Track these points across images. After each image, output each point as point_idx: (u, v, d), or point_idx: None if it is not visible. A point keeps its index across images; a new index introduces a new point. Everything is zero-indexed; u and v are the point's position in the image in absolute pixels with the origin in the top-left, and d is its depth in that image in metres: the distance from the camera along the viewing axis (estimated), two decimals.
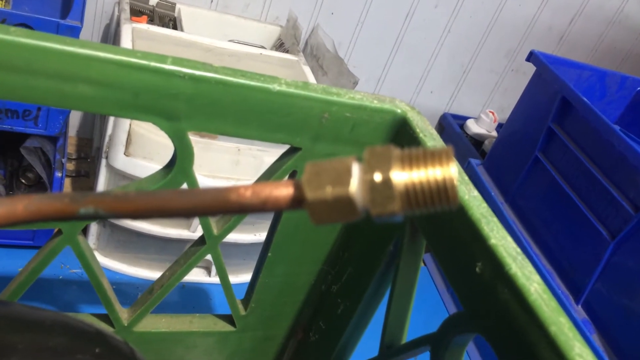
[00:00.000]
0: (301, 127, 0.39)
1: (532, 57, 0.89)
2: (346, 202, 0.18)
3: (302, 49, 1.09)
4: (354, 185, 0.18)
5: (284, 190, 0.19)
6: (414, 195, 0.18)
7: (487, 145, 1.21)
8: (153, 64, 0.34)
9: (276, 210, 0.20)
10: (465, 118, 1.27)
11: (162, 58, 0.35)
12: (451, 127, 1.25)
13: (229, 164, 0.74)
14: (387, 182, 0.18)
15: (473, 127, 1.24)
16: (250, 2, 1.01)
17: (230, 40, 0.97)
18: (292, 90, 0.38)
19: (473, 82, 1.26)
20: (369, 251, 0.43)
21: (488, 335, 0.31)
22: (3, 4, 0.77)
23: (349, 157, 0.19)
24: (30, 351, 0.23)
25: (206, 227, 0.43)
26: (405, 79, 1.21)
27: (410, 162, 0.18)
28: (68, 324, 0.27)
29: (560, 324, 0.27)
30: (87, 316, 0.45)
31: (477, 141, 1.24)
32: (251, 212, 0.20)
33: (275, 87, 0.37)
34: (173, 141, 0.37)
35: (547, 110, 0.84)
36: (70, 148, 1.04)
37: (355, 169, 0.19)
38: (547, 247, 0.83)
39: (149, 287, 0.46)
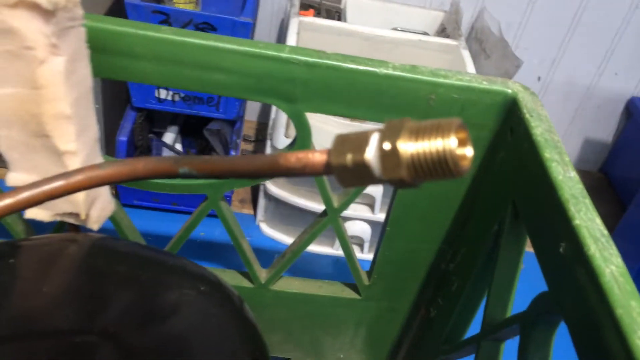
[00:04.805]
0: (409, 109, 0.41)
1: None
2: (362, 167, 0.21)
3: (468, 33, 1.07)
4: (370, 152, 0.21)
5: (318, 157, 0.23)
6: (419, 164, 0.20)
7: None
8: (272, 52, 0.39)
9: (315, 175, 0.23)
10: None
11: (280, 48, 0.40)
12: (639, 112, 1.13)
13: None
14: (394, 150, 0.20)
15: None
16: None
17: (393, 28, 1.01)
18: (398, 73, 0.40)
19: None
20: (478, 231, 0.44)
21: (566, 316, 0.31)
22: (193, 5, 0.89)
23: (373, 129, 0.22)
24: (148, 282, 0.30)
25: (327, 201, 0.47)
26: (583, 60, 1.12)
27: (418, 133, 0.21)
28: (187, 267, 0.34)
29: (629, 307, 0.26)
30: (231, 272, 0.53)
31: None
32: (295, 175, 0.23)
33: (382, 70, 0.40)
34: (292, 121, 0.42)
35: None
36: (250, 131, 1.16)
37: (374, 139, 0.21)
38: None
39: (283, 252, 0.52)
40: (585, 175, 1.27)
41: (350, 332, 0.58)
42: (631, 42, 1.09)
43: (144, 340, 0.30)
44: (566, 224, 0.31)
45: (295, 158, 0.23)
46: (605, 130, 1.23)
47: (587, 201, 0.32)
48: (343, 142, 0.22)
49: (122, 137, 0.88)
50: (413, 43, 0.92)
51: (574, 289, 0.30)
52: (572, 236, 0.30)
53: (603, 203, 1.19)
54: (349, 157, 0.21)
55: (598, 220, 0.31)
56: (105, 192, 0.38)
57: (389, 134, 0.21)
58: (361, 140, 0.22)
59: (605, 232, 0.30)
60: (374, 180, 0.22)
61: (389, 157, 0.21)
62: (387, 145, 0.21)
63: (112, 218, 0.45)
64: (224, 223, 0.48)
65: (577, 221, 0.31)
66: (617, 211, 1.16)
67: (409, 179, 0.21)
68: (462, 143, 0.21)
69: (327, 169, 0.23)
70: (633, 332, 0.25)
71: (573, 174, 0.34)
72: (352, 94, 0.41)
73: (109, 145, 0.94)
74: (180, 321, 0.31)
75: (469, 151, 0.21)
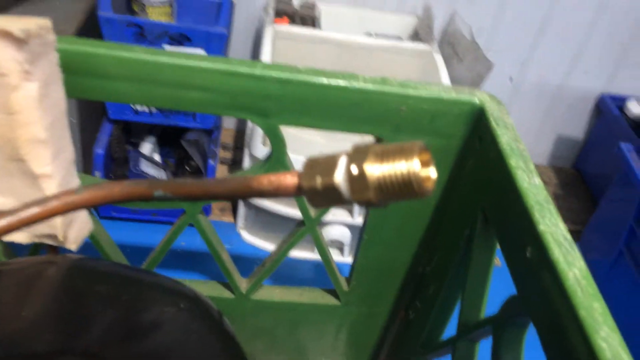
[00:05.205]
0: (381, 120, 0.43)
1: None
2: (332, 189, 0.22)
3: (441, 37, 1.09)
4: (339, 176, 0.22)
5: (289, 180, 0.24)
6: (385, 186, 0.21)
7: None
8: (245, 70, 0.40)
9: (286, 196, 0.24)
10: (628, 99, 1.17)
11: (253, 64, 0.40)
12: (608, 109, 1.16)
13: None
14: (361, 174, 0.21)
15: (635, 108, 1.14)
16: None
17: (366, 34, 1.02)
18: (369, 86, 0.41)
19: (636, 59, 1.16)
20: (451, 236, 0.45)
21: (533, 318, 0.32)
22: (168, 17, 0.89)
23: (340, 152, 0.23)
24: (129, 301, 0.31)
25: (304, 211, 0.48)
26: (554, 60, 1.15)
27: (383, 156, 0.22)
28: (166, 285, 0.35)
29: (591, 309, 0.28)
30: (212, 283, 0.54)
31: (639, 124, 1.14)
32: (268, 197, 0.24)
33: (353, 84, 0.41)
34: (268, 135, 0.43)
35: None
36: (228, 139, 1.16)
37: (342, 163, 0.22)
38: None
39: (263, 261, 0.53)
40: (559, 172, 1.30)
41: (332, 337, 0.59)
42: (599, 41, 1.12)
43: (126, 359, 0.30)
44: (531, 230, 0.32)
45: (268, 181, 0.24)
46: (577, 128, 1.26)
47: (551, 207, 0.33)
48: (313, 165, 0.23)
49: (99, 150, 0.88)
50: (387, 48, 0.93)
51: (540, 292, 0.31)
52: (537, 241, 0.32)
53: (576, 198, 1.22)
54: (319, 180, 0.22)
55: (561, 225, 0.32)
56: (82, 212, 0.38)
57: (356, 158, 0.22)
58: (330, 163, 0.23)
59: (569, 236, 0.32)
60: (343, 202, 0.23)
61: (357, 180, 0.22)
62: (354, 169, 0.22)
63: (90, 235, 0.46)
64: (203, 236, 0.48)
65: (542, 227, 0.32)
66: (589, 206, 1.19)
67: (376, 200, 0.22)
68: (425, 164, 0.22)
69: (298, 191, 0.23)
70: (595, 332, 0.27)
71: (538, 181, 0.35)
72: (325, 108, 0.42)
73: (85, 158, 0.94)
74: (161, 338, 0.32)
75: (432, 172, 0.22)
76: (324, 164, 0.23)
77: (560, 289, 0.29)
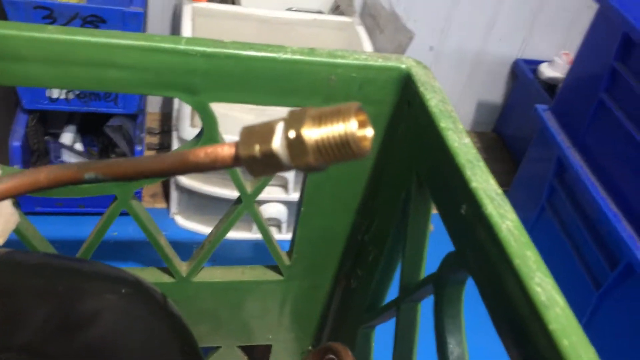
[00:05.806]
0: (311, 91, 0.42)
1: None
2: (271, 156, 0.22)
3: (361, 9, 1.10)
4: (277, 142, 0.22)
5: (227, 150, 0.23)
6: (324, 149, 0.21)
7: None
8: (168, 45, 0.39)
9: (225, 168, 0.24)
10: (541, 62, 1.23)
11: (176, 40, 0.39)
12: (523, 73, 1.21)
13: None
14: (299, 138, 0.21)
15: (547, 71, 1.20)
16: None
17: (287, 9, 1.01)
18: (297, 57, 0.41)
19: (546, 24, 1.21)
20: (388, 201, 0.46)
21: (472, 272, 0.33)
22: None
23: (277, 119, 0.23)
24: (67, 292, 0.30)
25: (240, 188, 0.47)
26: (470, 28, 1.18)
27: (320, 119, 0.22)
28: (104, 272, 0.33)
29: (525, 257, 0.29)
30: (151, 269, 0.52)
31: (552, 85, 1.20)
32: (207, 170, 0.24)
33: (281, 55, 0.41)
34: (197, 112, 0.42)
35: (611, 49, 0.80)
36: (154, 123, 1.13)
37: (279, 129, 0.22)
38: (616, 191, 0.81)
39: (202, 243, 0.52)
40: (481, 137, 1.35)
41: (277, 312, 0.59)
42: (510, 9, 1.16)
43: (70, 351, 0.29)
44: (464, 187, 0.34)
45: (204, 153, 0.24)
46: (496, 93, 1.31)
47: (482, 164, 0.35)
48: (249, 134, 0.23)
49: (15, 142, 0.83)
50: (309, 22, 0.93)
51: (477, 246, 0.32)
52: (471, 198, 0.33)
53: (498, 161, 1.28)
54: (257, 148, 0.22)
55: (492, 181, 0.34)
56: (6, 204, 0.36)
57: (293, 123, 0.22)
58: (267, 130, 0.22)
59: (500, 191, 0.33)
60: (283, 168, 0.23)
61: (295, 145, 0.22)
62: (292, 134, 0.22)
63: (15, 230, 0.43)
64: (138, 221, 0.47)
65: (474, 184, 0.33)
66: (511, 168, 1.24)
67: (316, 163, 0.22)
68: (362, 125, 0.22)
69: (237, 161, 0.23)
70: (530, 278, 0.28)
71: (467, 140, 0.36)
72: (254, 81, 0.41)
73: (1, 153, 0.89)
74: (105, 326, 0.31)
75: (369, 132, 0.22)
76: (261, 132, 0.22)
77: (495, 241, 0.31)
